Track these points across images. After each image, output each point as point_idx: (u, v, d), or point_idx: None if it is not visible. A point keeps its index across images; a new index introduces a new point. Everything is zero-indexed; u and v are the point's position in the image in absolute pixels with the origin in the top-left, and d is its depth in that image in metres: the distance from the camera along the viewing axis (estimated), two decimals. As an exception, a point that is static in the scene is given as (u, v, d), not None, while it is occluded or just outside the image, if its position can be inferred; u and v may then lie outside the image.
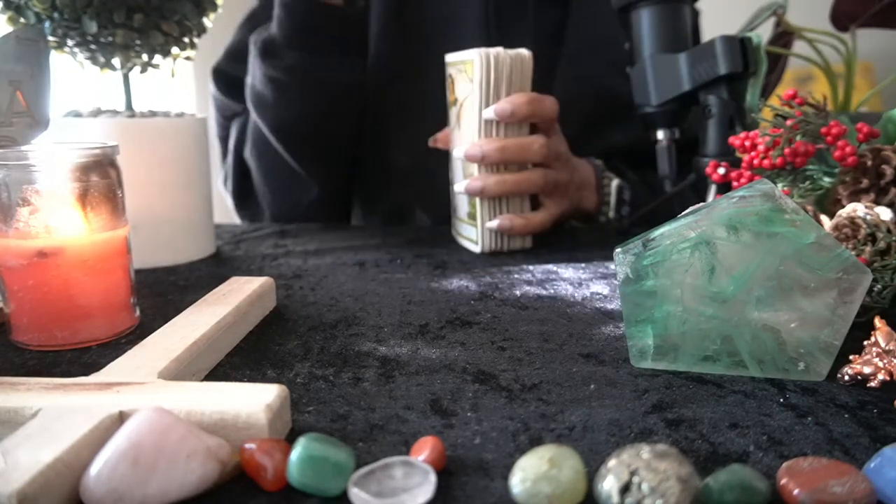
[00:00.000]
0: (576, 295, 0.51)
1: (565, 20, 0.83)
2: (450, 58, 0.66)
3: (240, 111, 0.90)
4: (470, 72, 0.61)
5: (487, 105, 0.60)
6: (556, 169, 0.66)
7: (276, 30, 0.76)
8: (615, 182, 0.74)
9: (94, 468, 0.24)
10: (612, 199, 0.72)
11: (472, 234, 0.65)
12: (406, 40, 0.81)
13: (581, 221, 0.77)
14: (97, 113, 0.58)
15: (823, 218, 0.46)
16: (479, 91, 0.60)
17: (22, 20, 0.53)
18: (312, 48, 0.76)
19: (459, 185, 0.63)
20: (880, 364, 0.34)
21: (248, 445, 0.26)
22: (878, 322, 0.37)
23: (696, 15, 0.88)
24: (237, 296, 0.44)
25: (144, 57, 0.59)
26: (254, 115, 0.82)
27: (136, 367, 0.33)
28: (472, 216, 0.65)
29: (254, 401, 0.28)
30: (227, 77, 0.88)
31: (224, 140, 0.92)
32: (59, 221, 0.40)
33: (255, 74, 0.80)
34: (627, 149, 0.81)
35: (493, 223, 0.62)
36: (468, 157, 0.61)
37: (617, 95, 0.77)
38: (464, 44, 0.66)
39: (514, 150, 0.61)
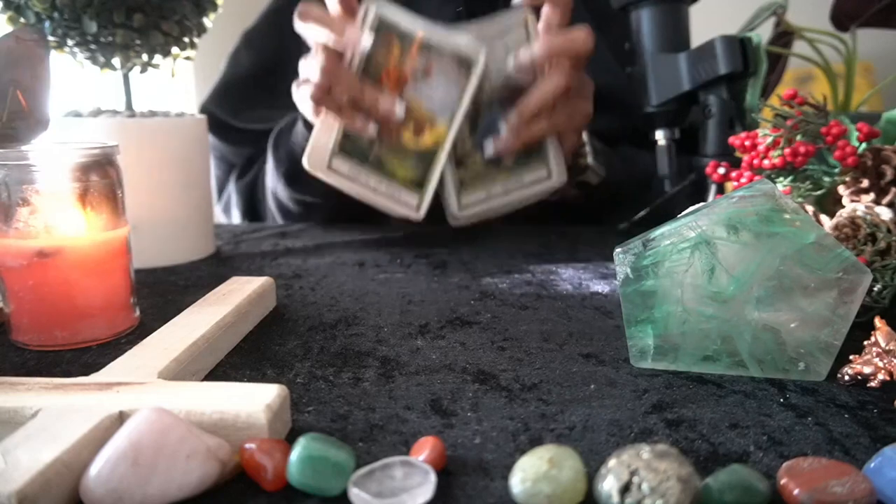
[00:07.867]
0: (576, 295, 0.51)
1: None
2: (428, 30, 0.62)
3: (236, 162, 0.91)
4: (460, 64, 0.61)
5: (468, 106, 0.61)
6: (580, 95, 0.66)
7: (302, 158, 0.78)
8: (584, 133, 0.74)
9: (94, 468, 0.24)
10: (588, 146, 0.72)
11: (412, 200, 0.64)
12: None
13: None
14: (97, 113, 0.58)
15: (823, 218, 0.45)
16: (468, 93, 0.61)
17: (22, 20, 0.53)
18: None
19: (488, 147, 0.63)
20: (880, 364, 0.34)
21: (248, 445, 0.26)
22: (878, 322, 0.37)
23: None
24: (237, 296, 0.44)
25: (144, 57, 0.59)
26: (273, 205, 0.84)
27: (136, 367, 0.33)
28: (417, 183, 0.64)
29: (254, 401, 0.28)
30: (216, 119, 0.88)
31: (221, 187, 0.94)
32: (59, 221, 0.40)
33: (278, 191, 0.81)
34: (606, 136, 0.81)
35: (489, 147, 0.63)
36: (519, 69, 0.61)
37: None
38: None
39: (561, 45, 0.61)
